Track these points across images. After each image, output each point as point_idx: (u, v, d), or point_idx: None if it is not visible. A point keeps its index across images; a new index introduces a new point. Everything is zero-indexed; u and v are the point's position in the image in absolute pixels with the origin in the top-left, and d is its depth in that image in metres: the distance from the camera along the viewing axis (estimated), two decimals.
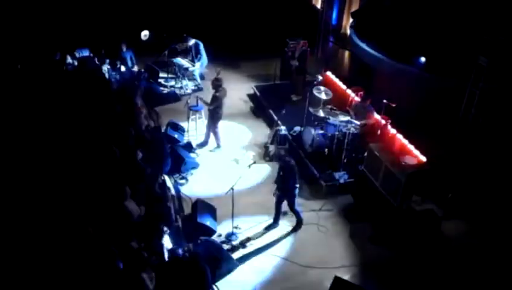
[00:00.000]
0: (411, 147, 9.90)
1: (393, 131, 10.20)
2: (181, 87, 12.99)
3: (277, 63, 13.15)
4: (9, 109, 9.48)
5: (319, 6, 14.50)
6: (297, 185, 8.35)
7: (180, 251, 6.76)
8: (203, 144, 10.90)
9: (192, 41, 12.91)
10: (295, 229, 8.65)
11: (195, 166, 10.09)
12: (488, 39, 7.97)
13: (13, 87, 10.21)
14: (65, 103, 9.81)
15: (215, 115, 10.46)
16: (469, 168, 9.13)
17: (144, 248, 6.94)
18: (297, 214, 8.63)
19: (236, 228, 8.51)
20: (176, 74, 13.17)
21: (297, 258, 8.08)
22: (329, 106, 10.57)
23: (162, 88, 12.89)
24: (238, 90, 13.26)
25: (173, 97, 12.59)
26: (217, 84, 10.34)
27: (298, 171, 8.41)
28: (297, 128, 11.04)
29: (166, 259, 6.92)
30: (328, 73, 13.26)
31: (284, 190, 8.35)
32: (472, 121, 8.63)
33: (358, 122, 9.92)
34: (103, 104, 9.92)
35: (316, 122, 10.47)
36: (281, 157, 8.41)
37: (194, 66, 12.90)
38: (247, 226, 8.65)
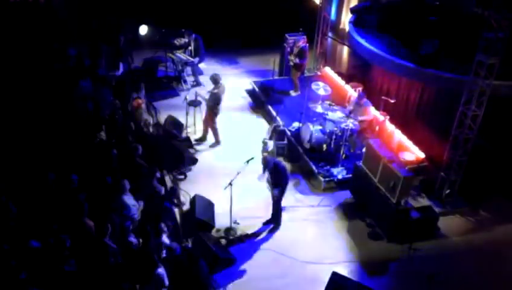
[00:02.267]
0: (409, 143, 9.94)
1: (391, 127, 10.23)
2: (180, 82, 12.98)
3: (276, 59, 13.13)
4: (6, 105, 9.47)
5: (317, 1, 14.47)
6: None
7: (177, 248, 6.77)
8: (201, 140, 10.90)
9: (192, 36, 12.86)
10: (273, 229, 8.64)
11: (193, 162, 10.09)
12: (490, 37, 7.94)
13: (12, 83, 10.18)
14: (63, 99, 9.80)
15: (213, 110, 10.45)
16: (467, 164, 9.15)
17: (143, 244, 6.97)
18: (277, 213, 8.62)
19: (235, 223, 8.52)
20: (176, 69, 13.13)
21: (296, 254, 8.11)
22: (328, 102, 10.58)
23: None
24: (237, 85, 13.23)
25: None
26: (215, 80, 10.33)
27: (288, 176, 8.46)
28: (295, 124, 11.03)
29: (164, 256, 6.94)
30: (327, 69, 13.27)
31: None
32: (471, 117, 8.63)
33: (357, 118, 9.95)
34: (101, 100, 9.91)
35: (315, 118, 10.47)
36: (270, 160, 8.38)
37: (193, 60, 12.86)
38: (246, 221, 8.66)
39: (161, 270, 6.30)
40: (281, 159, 9.27)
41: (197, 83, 13.08)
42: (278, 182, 8.23)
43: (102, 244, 6.47)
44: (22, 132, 8.79)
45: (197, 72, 13.16)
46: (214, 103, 10.33)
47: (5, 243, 6.35)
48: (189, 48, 12.96)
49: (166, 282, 6.34)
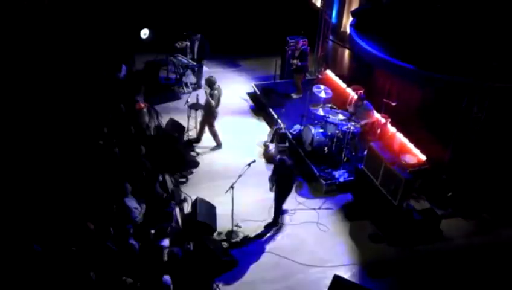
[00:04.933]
0: (411, 146, 9.92)
1: (393, 130, 10.22)
2: (181, 85, 13.00)
3: (277, 62, 13.15)
4: (11, 107, 9.49)
5: (318, 4, 14.49)
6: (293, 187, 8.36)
7: (179, 251, 6.77)
8: (196, 141, 10.88)
9: (197, 36, 12.86)
10: (275, 232, 8.64)
11: (195, 165, 10.09)
12: (494, 40, 7.96)
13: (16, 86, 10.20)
14: (68, 101, 9.82)
15: (211, 113, 10.44)
16: (469, 166, 9.14)
17: (144, 248, 6.96)
18: (277, 215, 8.62)
19: (236, 226, 8.51)
20: (177, 72, 13.13)
21: (297, 257, 8.09)
22: (330, 105, 10.58)
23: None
24: (238, 88, 13.25)
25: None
26: (210, 83, 10.32)
27: (295, 173, 8.42)
28: (297, 127, 11.04)
29: (166, 258, 6.93)
30: (328, 72, 13.28)
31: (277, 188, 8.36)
32: (473, 119, 8.63)
33: (359, 122, 9.95)
34: (106, 103, 9.93)
35: (316, 121, 10.47)
36: (278, 158, 8.35)
37: (195, 64, 12.86)
38: (247, 224, 8.66)
39: (167, 277, 6.30)
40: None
41: (199, 86, 13.08)
42: (281, 179, 8.19)
43: (105, 247, 6.46)
44: (25, 132, 8.81)
45: (201, 75, 13.13)
46: (211, 106, 10.30)
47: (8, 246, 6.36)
48: (193, 50, 12.97)
49: (171, 288, 6.33)
